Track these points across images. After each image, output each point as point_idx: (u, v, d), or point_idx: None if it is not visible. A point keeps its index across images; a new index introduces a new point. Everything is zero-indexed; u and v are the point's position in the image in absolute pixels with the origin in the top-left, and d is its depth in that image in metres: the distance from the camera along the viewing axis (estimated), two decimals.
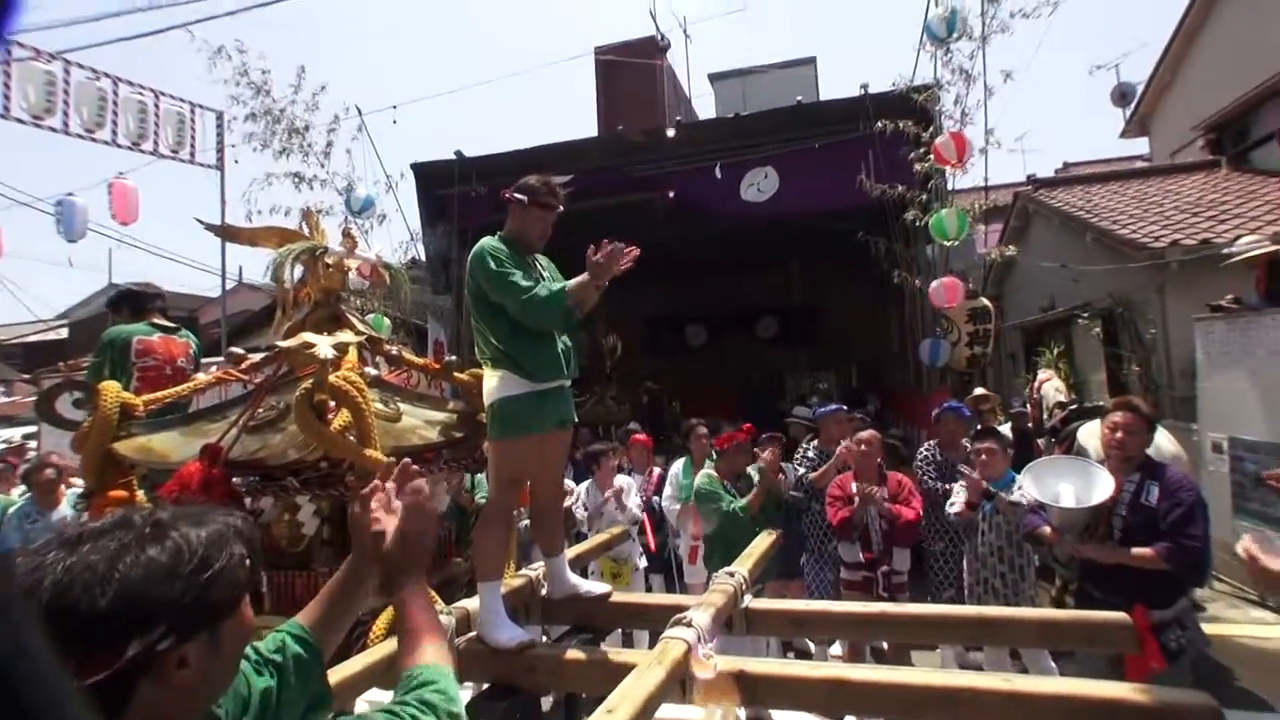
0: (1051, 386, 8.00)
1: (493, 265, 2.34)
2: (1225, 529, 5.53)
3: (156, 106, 8.83)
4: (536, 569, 2.82)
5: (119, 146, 8.52)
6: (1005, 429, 6.53)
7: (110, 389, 2.17)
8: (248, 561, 0.96)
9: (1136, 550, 2.94)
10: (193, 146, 9.27)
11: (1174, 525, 2.90)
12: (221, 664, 0.95)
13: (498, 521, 2.42)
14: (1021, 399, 7.80)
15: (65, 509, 4.44)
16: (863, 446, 4.45)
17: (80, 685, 0.76)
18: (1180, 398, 7.10)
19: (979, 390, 7.17)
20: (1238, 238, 6.61)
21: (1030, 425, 6.38)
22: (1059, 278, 10.21)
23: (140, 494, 2.20)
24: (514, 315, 2.27)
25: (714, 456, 5.04)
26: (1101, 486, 3.15)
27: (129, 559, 0.84)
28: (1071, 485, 3.32)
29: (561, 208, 2.53)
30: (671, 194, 7.96)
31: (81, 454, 2.15)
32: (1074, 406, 6.50)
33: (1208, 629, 3.24)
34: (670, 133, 7.97)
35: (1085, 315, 9.39)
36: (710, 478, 4.59)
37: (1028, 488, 3.43)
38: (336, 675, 1.48)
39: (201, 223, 2.59)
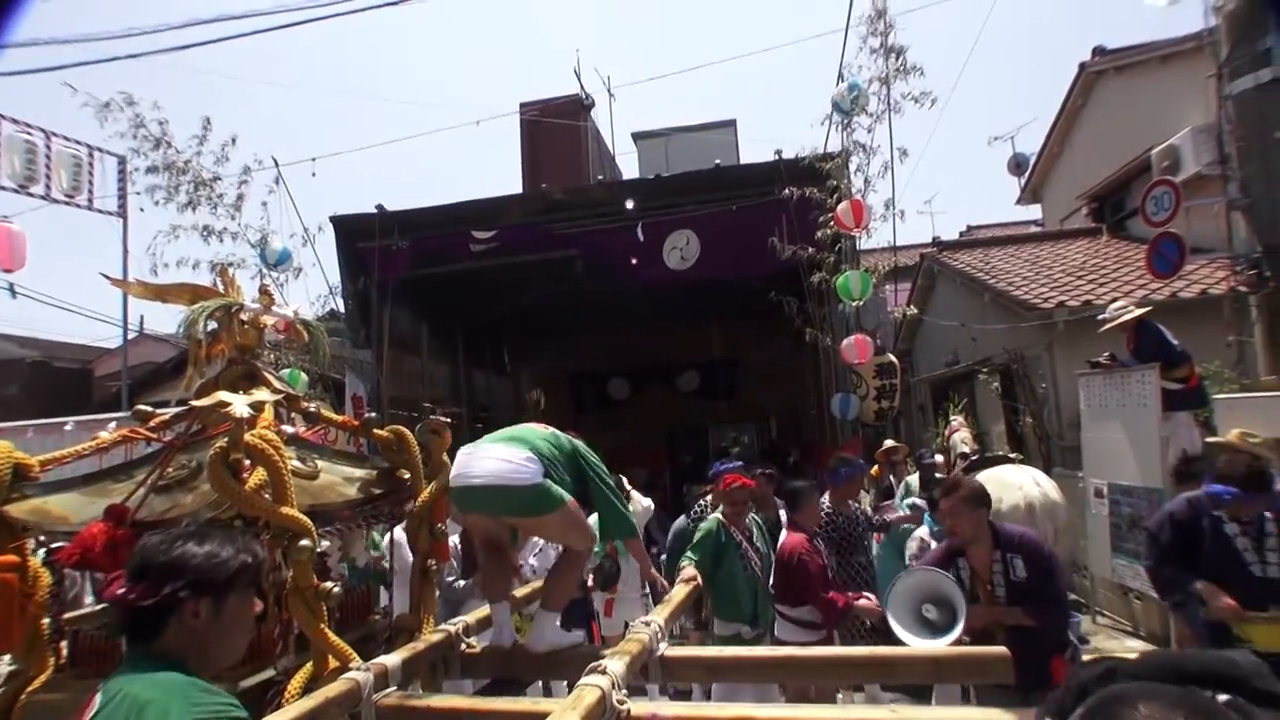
0: (959, 437, 8.40)
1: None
2: (1105, 567, 5.95)
3: (48, 147, 8.40)
4: (457, 624, 2.82)
5: (2, 189, 8.06)
6: (914, 479, 6.87)
7: (2, 448, 2.10)
8: (249, 569, 1.49)
9: (1001, 610, 3.13)
10: (91, 191, 8.86)
11: (1046, 591, 3.12)
12: (220, 628, 1.43)
13: (579, 566, 3.07)
14: (930, 449, 8.18)
15: None
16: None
17: (138, 603, 1.35)
18: (1068, 447, 7.54)
19: (889, 442, 7.50)
20: (1114, 300, 7.20)
21: (939, 475, 6.70)
22: (963, 334, 10.83)
23: (35, 559, 2.12)
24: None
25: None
26: (942, 590, 3.18)
27: (185, 544, 1.43)
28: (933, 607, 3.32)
29: None
30: (596, 256, 8.14)
31: None
32: (975, 457, 6.85)
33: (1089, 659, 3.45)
34: (629, 204, 8.14)
35: (985, 370, 9.96)
36: (715, 525, 4.36)
37: (893, 623, 3.36)
38: None
39: (108, 278, 2.55)
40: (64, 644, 2.24)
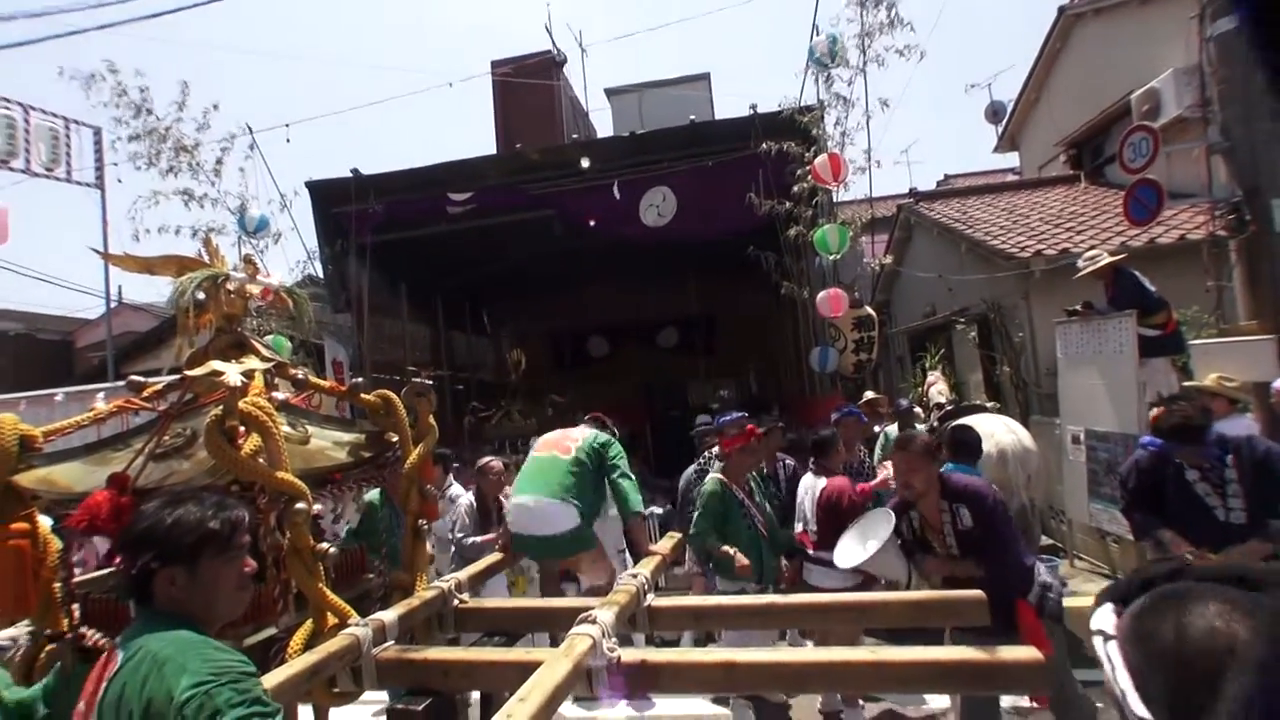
0: (935, 389, 8.56)
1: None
2: (1083, 512, 6.08)
3: (26, 121, 8.42)
4: (450, 580, 2.93)
5: None
6: (893, 428, 7.03)
7: (8, 421, 2.15)
8: (218, 535, 1.52)
9: (954, 563, 3.27)
10: (69, 164, 8.86)
11: (991, 539, 3.20)
12: (202, 592, 1.50)
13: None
14: (909, 400, 8.34)
15: None
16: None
17: (128, 573, 1.45)
18: (1046, 394, 7.69)
19: (869, 394, 7.64)
20: (1091, 248, 7.29)
21: (919, 425, 6.86)
22: (941, 285, 10.93)
23: (44, 525, 2.19)
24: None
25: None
26: (879, 528, 3.46)
27: (152, 517, 1.49)
28: (859, 539, 3.65)
29: None
30: (572, 216, 8.12)
31: None
32: (950, 407, 7.01)
33: (1067, 603, 3.57)
34: (585, 163, 8.09)
35: (962, 320, 10.10)
36: (718, 487, 4.32)
37: (842, 562, 3.70)
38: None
39: (98, 252, 2.57)
40: (75, 607, 2.32)
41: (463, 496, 5.27)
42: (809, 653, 2.45)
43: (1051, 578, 3.29)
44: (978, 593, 2.79)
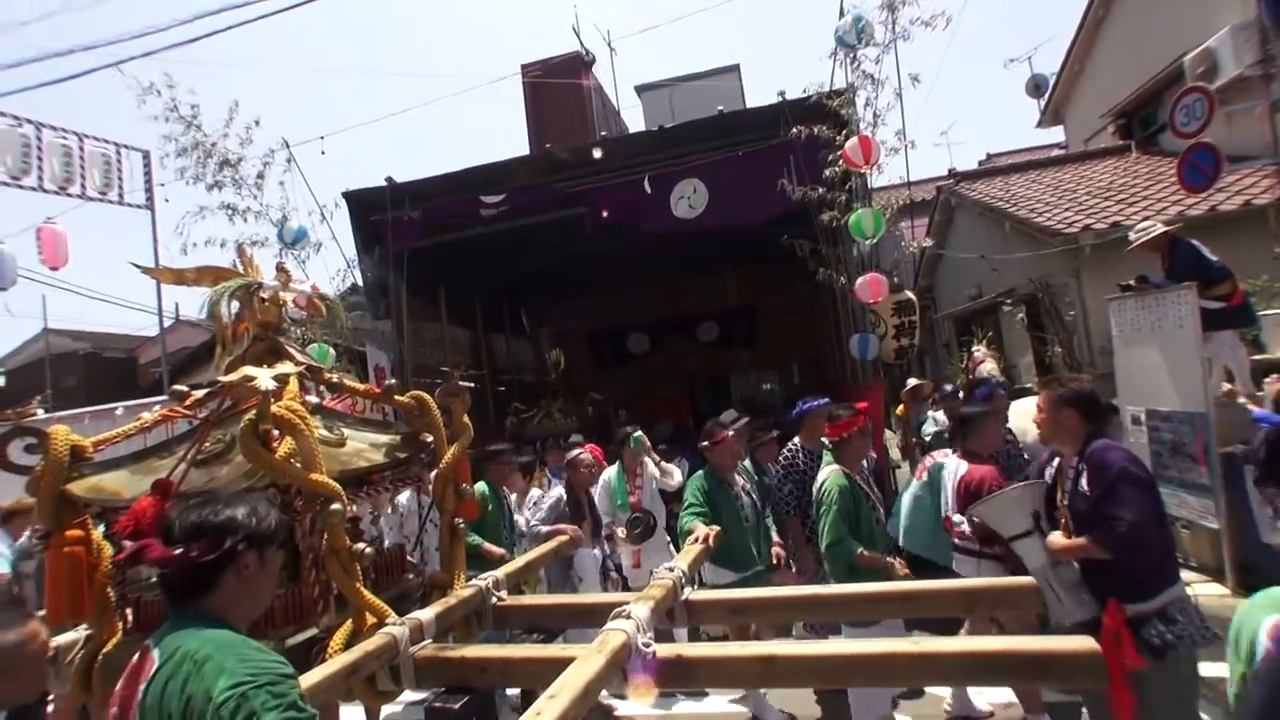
0: (985, 369, 8.31)
1: None
2: None
3: (81, 150, 8.90)
4: (487, 578, 2.95)
5: (45, 191, 8.57)
6: (941, 414, 6.87)
7: (60, 433, 2.23)
8: (282, 524, 1.68)
9: (1073, 541, 2.81)
10: (120, 187, 9.31)
11: (1099, 508, 2.78)
12: (264, 577, 1.60)
13: None
14: (956, 384, 8.13)
15: None
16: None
17: (199, 560, 1.48)
18: (1102, 374, 7.34)
19: (913, 380, 7.48)
20: (1145, 220, 6.98)
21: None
22: (985, 266, 10.66)
23: (96, 531, 2.28)
24: None
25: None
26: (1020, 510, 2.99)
27: (229, 506, 1.58)
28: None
29: None
30: (604, 212, 8.12)
31: (36, 497, 2.22)
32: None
33: None
34: (597, 153, 8.14)
35: (1010, 302, 9.83)
36: (844, 480, 3.93)
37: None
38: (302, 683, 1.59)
39: (137, 266, 2.66)
40: (128, 610, 2.40)
41: (554, 489, 5.38)
42: (852, 645, 2.39)
43: (1182, 616, 2.73)
44: (1030, 580, 2.69)
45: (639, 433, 5.74)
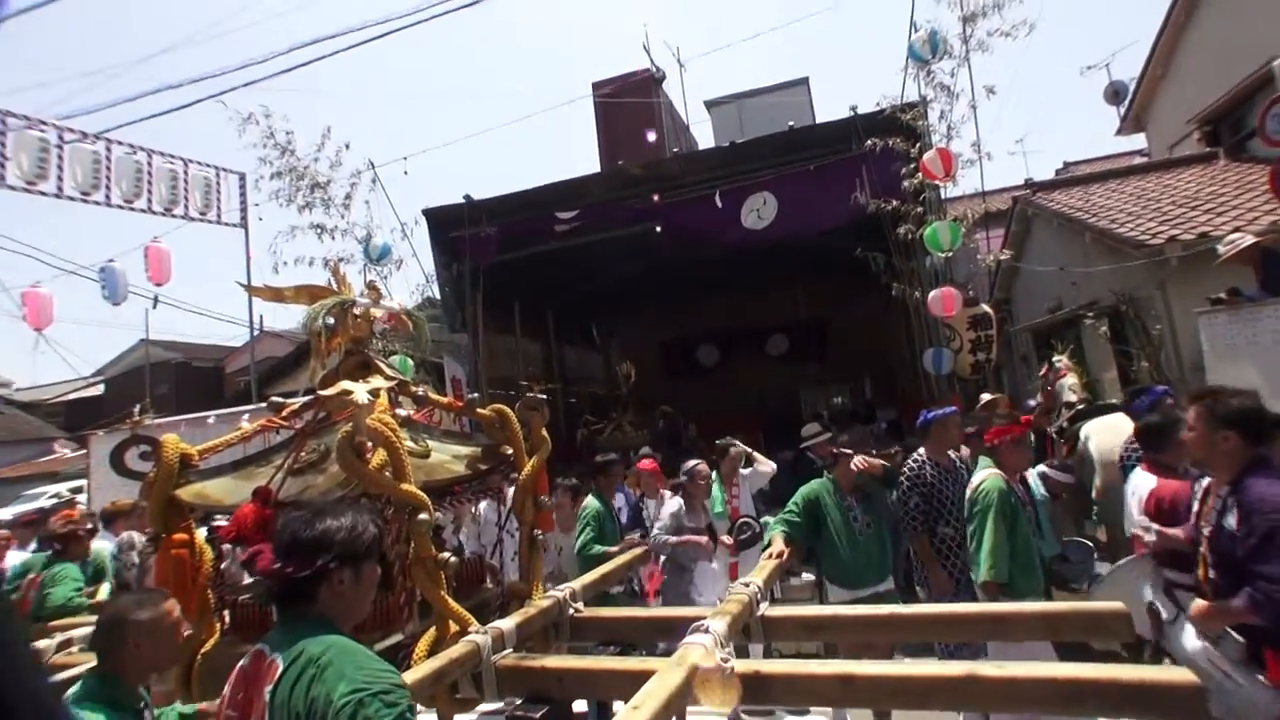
0: (1066, 383, 7.94)
1: None
2: None
3: (186, 174, 9.54)
4: (565, 590, 2.99)
5: (154, 213, 9.24)
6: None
7: (171, 441, 2.39)
8: (378, 538, 1.72)
9: (1220, 608, 2.50)
10: (218, 208, 9.91)
11: (1251, 563, 2.39)
12: (359, 592, 1.67)
13: None
14: (1037, 400, 7.83)
15: None
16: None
17: (295, 576, 1.56)
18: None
19: (986, 396, 7.25)
20: (1236, 229, 6.66)
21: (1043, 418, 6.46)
22: (1065, 278, 10.28)
23: (200, 535, 2.42)
24: None
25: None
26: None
27: (324, 521, 1.63)
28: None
29: None
30: (675, 226, 8.18)
31: (149, 502, 2.37)
32: (1080, 406, 6.55)
33: None
34: (670, 167, 8.24)
35: (1091, 315, 9.44)
36: (1003, 485, 3.71)
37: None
38: None
39: (243, 286, 2.84)
40: (226, 613, 2.53)
41: (672, 500, 5.32)
42: (936, 667, 2.32)
43: None
44: (1118, 605, 2.51)
45: (739, 444, 5.74)
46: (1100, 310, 9.31)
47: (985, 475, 3.72)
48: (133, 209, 9.04)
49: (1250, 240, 5.43)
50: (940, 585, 4.18)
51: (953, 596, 3.99)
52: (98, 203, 8.75)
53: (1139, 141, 15.47)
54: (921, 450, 4.61)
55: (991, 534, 3.47)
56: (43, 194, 8.31)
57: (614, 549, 4.79)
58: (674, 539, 4.91)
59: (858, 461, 4.18)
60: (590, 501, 5.23)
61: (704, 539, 4.91)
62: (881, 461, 4.23)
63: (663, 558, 5.16)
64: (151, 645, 2.02)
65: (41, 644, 3.26)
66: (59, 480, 15.18)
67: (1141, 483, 3.59)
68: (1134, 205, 9.96)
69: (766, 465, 5.78)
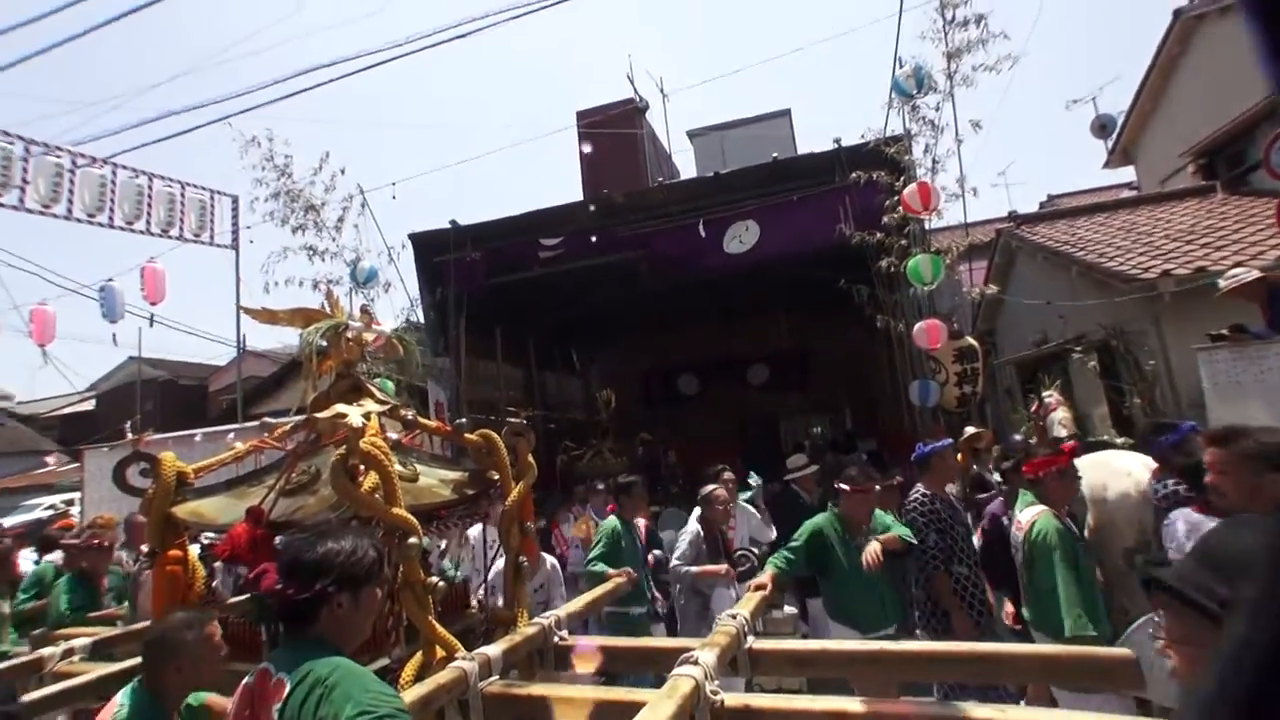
0: (1056, 417, 7.88)
1: None
2: None
3: (183, 196, 9.86)
4: (549, 617, 2.98)
5: (152, 234, 9.55)
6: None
7: (169, 459, 2.38)
8: (378, 563, 1.73)
9: None
10: (212, 229, 10.19)
11: None
12: (359, 617, 1.69)
13: None
14: (1023, 432, 7.85)
15: None
16: None
17: (295, 598, 1.59)
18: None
19: (970, 429, 7.29)
20: (1238, 264, 6.62)
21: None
22: (1051, 311, 10.38)
23: (193, 552, 2.41)
24: None
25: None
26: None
27: (325, 544, 1.65)
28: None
29: None
30: (658, 255, 8.24)
31: (147, 519, 2.37)
32: (1073, 442, 6.54)
33: None
34: (653, 196, 8.33)
35: (1079, 349, 9.51)
36: (1057, 522, 3.43)
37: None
38: None
39: (245, 309, 2.84)
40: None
41: (690, 526, 5.15)
42: (940, 708, 2.28)
43: None
44: (1125, 652, 2.38)
45: (758, 481, 5.77)
46: (1089, 344, 9.37)
47: (1036, 514, 3.42)
48: (133, 230, 9.33)
49: (1254, 274, 5.33)
50: (964, 630, 3.94)
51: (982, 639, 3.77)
52: (102, 224, 9.08)
53: (1127, 174, 15.67)
54: (920, 486, 4.46)
55: (1065, 581, 3.18)
56: (55, 216, 8.68)
57: (615, 573, 4.59)
58: (694, 569, 4.83)
59: (870, 556, 3.75)
60: (609, 520, 5.23)
61: (723, 567, 4.84)
62: (897, 534, 3.98)
63: (678, 586, 5.11)
64: (193, 669, 2.07)
65: (45, 652, 3.25)
66: (55, 492, 15.31)
67: (1197, 523, 3.20)
68: (1123, 239, 10.01)
69: (772, 534, 5.76)
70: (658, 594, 5.48)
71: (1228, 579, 0.99)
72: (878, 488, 4.09)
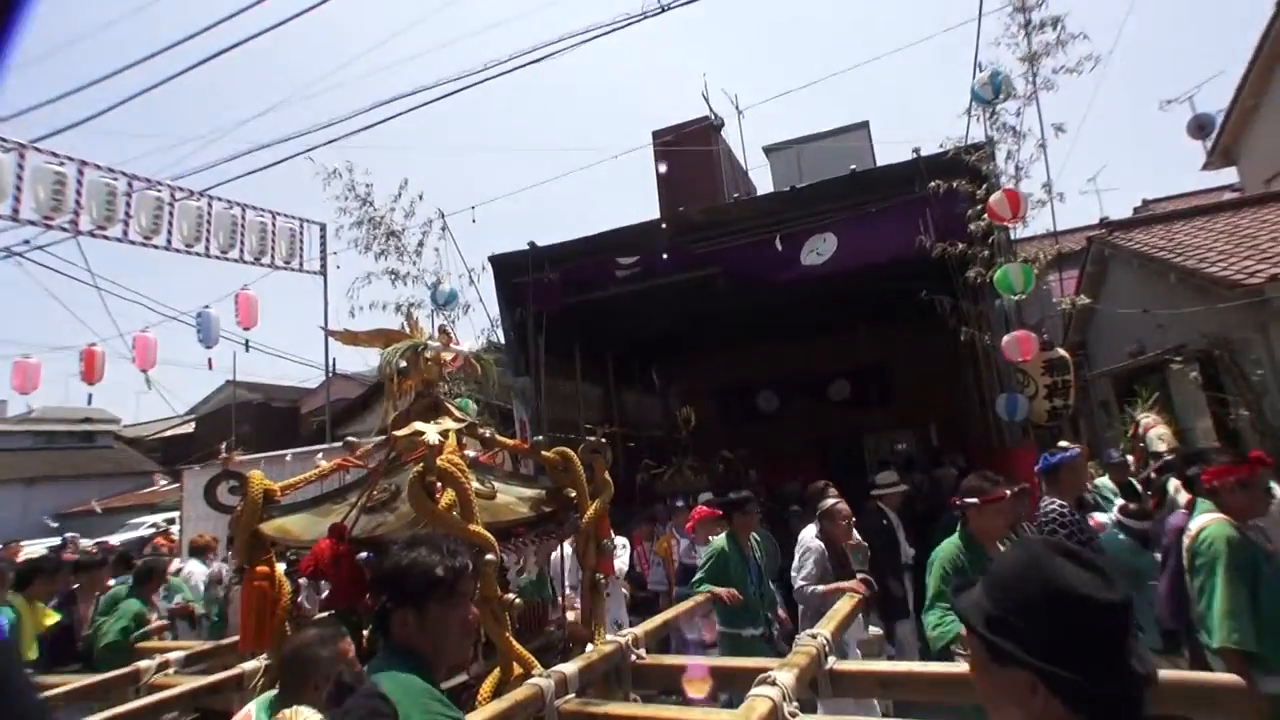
0: (1155, 434, 7.54)
1: None
2: None
3: (274, 226, 10.42)
4: (626, 635, 2.97)
5: (245, 262, 10.10)
6: (1104, 480, 6.31)
7: (256, 477, 2.50)
8: (444, 580, 1.65)
9: None
10: (301, 257, 10.75)
11: None
12: (429, 634, 1.63)
13: None
14: (1120, 448, 7.44)
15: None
16: None
17: (374, 609, 1.67)
18: None
19: (1063, 443, 6.93)
20: None
21: (1131, 478, 6.14)
22: (1146, 321, 9.84)
23: (279, 569, 2.50)
24: None
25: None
26: None
27: (391, 559, 1.66)
28: None
29: None
30: (735, 272, 8.20)
31: (236, 535, 2.48)
32: (1169, 457, 6.18)
33: None
34: (730, 212, 8.30)
35: (1179, 359, 8.98)
36: (1235, 532, 3.02)
37: None
38: None
39: (329, 331, 2.98)
40: None
41: (814, 544, 4.90)
42: None
43: None
44: (1235, 679, 2.32)
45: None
46: (1190, 354, 8.83)
47: (1206, 521, 3.11)
48: (227, 259, 9.85)
49: None
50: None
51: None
52: (199, 253, 9.63)
53: (1229, 176, 14.81)
54: (1053, 497, 4.06)
55: (1226, 591, 2.85)
56: (155, 246, 9.24)
57: (722, 591, 4.59)
58: (821, 588, 4.56)
59: None
60: (718, 539, 5.05)
61: (852, 583, 4.39)
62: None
63: (801, 607, 4.80)
64: (328, 684, 2.00)
65: (142, 664, 3.47)
66: (157, 511, 16.29)
67: None
68: (1225, 243, 9.46)
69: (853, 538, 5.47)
70: (782, 614, 5.29)
71: (995, 599, 1.11)
72: (1008, 493, 3.53)
